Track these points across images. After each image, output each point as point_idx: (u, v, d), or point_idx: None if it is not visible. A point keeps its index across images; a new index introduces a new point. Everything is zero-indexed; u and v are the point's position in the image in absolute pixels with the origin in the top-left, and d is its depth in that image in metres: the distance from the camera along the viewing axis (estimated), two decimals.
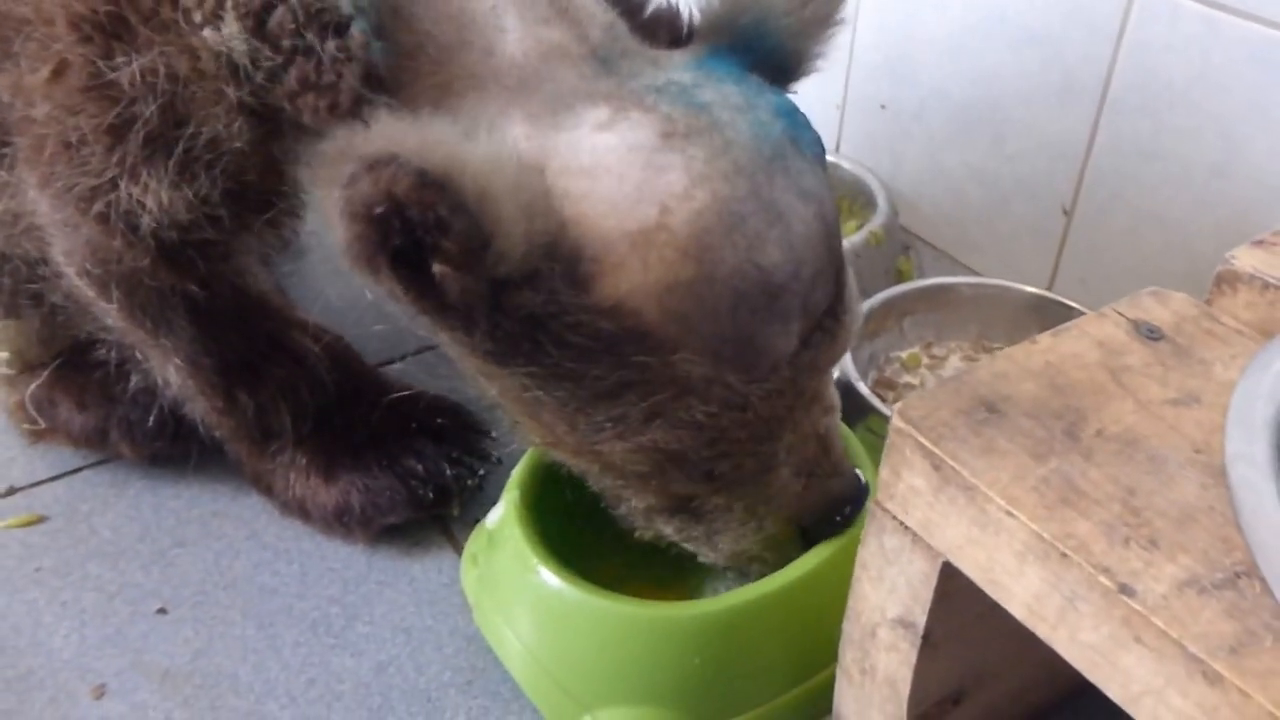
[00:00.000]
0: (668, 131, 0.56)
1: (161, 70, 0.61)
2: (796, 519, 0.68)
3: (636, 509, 0.67)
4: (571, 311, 0.54)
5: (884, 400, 0.86)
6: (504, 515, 0.72)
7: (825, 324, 0.61)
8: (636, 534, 0.69)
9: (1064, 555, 0.45)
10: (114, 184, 0.65)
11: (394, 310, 0.57)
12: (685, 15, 0.71)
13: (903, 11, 1.13)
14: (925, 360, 0.94)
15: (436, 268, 0.51)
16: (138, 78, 0.61)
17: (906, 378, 0.92)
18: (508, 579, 0.71)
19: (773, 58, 0.63)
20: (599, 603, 0.66)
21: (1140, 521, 0.46)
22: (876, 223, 1.06)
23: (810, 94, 1.20)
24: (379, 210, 0.48)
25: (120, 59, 0.61)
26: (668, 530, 0.68)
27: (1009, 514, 0.47)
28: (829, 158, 1.16)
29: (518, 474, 0.74)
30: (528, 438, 0.67)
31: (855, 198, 1.14)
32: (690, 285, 0.55)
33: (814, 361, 0.61)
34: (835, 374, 0.86)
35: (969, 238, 1.14)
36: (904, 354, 0.95)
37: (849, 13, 1.18)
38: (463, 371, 0.64)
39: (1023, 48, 1.02)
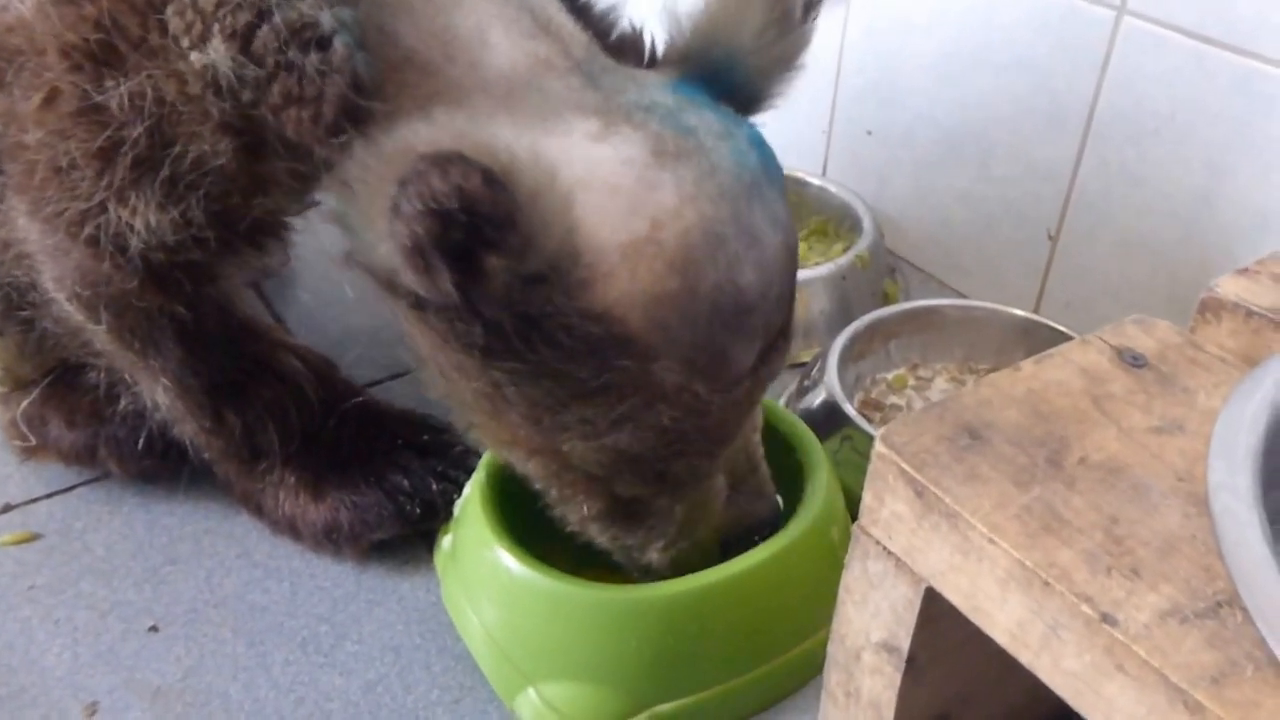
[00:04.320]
0: (659, 150, 0.58)
1: (149, 94, 0.63)
2: (722, 530, 0.71)
3: (578, 512, 0.69)
4: (566, 313, 0.56)
5: (870, 420, 0.87)
6: (469, 494, 0.76)
7: (778, 343, 0.64)
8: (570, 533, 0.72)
9: (1046, 584, 0.46)
10: (103, 207, 0.66)
11: (379, 313, 0.59)
12: (649, 42, 0.73)
13: (889, 38, 1.14)
14: (912, 382, 0.95)
15: (493, 260, 0.53)
16: (126, 102, 0.63)
17: (893, 399, 0.93)
18: (468, 554, 0.74)
19: (737, 91, 0.65)
20: (544, 581, 0.69)
21: (1123, 550, 0.47)
22: (863, 245, 1.07)
23: (797, 119, 1.22)
24: (450, 205, 0.49)
25: (110, 84, 0.63)
26: (603, 538, 0.71)
27: (991, 541, 0.48)
28: (816, 180, 1.18)
29: (489, 455, 0.77)
30: (482, 438, 0.69)
31: (841, 221, 1.15)
32: (674, 297, 0.57)
33: (766, 376, 0.65)
34: (822, 395, 0.87)
35: (955, 261, 1.14)
36: (890, 375, 0.95)
37: (835, 39, 1.20)
38: (428, 367, 0.65)
39: (1009, 74, 1.03)
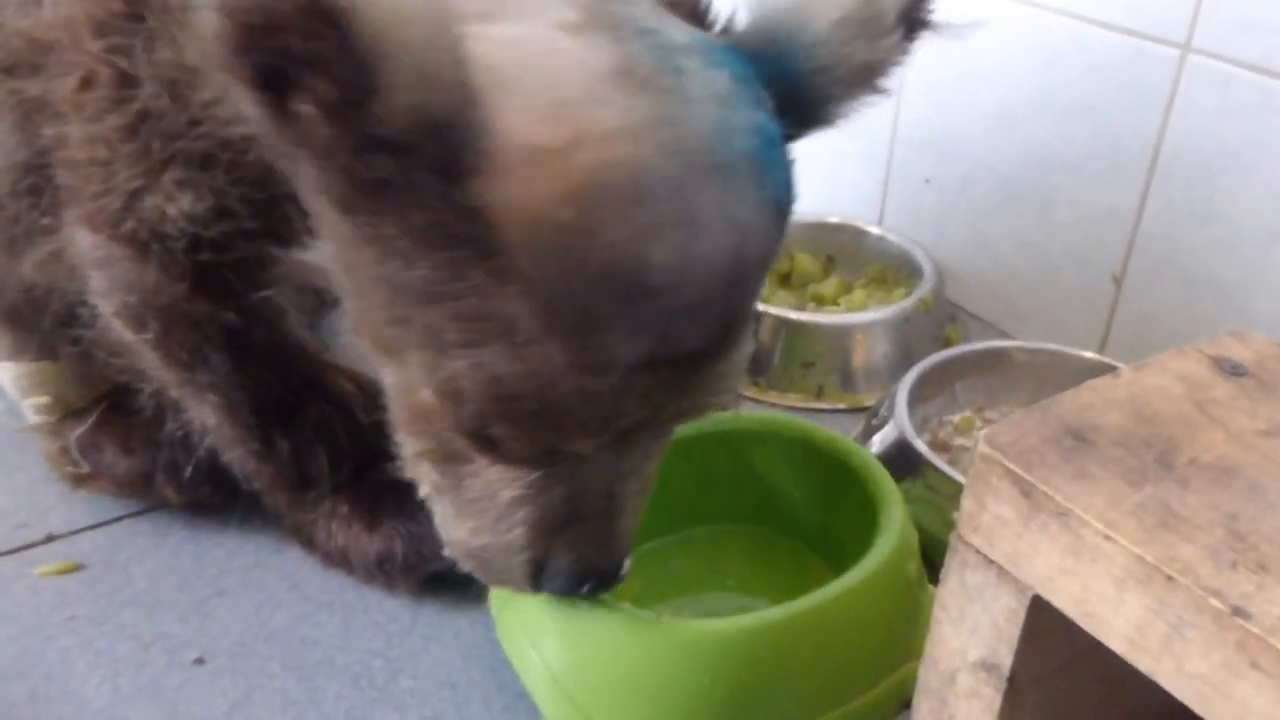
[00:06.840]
0: (626, 69, 0.49)
1: (170, 57, 0.61)
2: (537, 561, 0.61)
3: (410, 447, 0.62)
4: (427, 191, 0.48)
5: None
6: None
7: (687, 367, 0.53)
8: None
9: (1170, 578, 0.43)
10: (139, 195, 0.65)
11: None
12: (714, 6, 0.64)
13: (947, 87, 1.14)
14: (979, 424, 0.92)
15: (302, 106, 0.45)
16: (150, 69, 0.62)
17: (960, 440, 0.90)
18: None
19: (792, 91, 0.56)
20: (613, 614, 0.65)
21: (1246, 546, 0.44)
22: (925, 289, 1.06)
23: (854, 167, 1.21)
24: (246, 20, 0.42)
25: (139, 52, 0.62)
26: (424, 485, 0.64)
27: (1107, 538, 0.45)
28: (875, 229, 1.16)
29: None
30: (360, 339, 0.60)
31: (900, 268, 1.14)
32: (563, 230, 0.48)
33: (652, 398, 0.54)
34: (893, 435, 0.84)
35: (1015, 308, 1.13)
36: (956, 418, 0.93)
37: (893, 88, 1.19)
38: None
39: (1070, 119, 1.02)
